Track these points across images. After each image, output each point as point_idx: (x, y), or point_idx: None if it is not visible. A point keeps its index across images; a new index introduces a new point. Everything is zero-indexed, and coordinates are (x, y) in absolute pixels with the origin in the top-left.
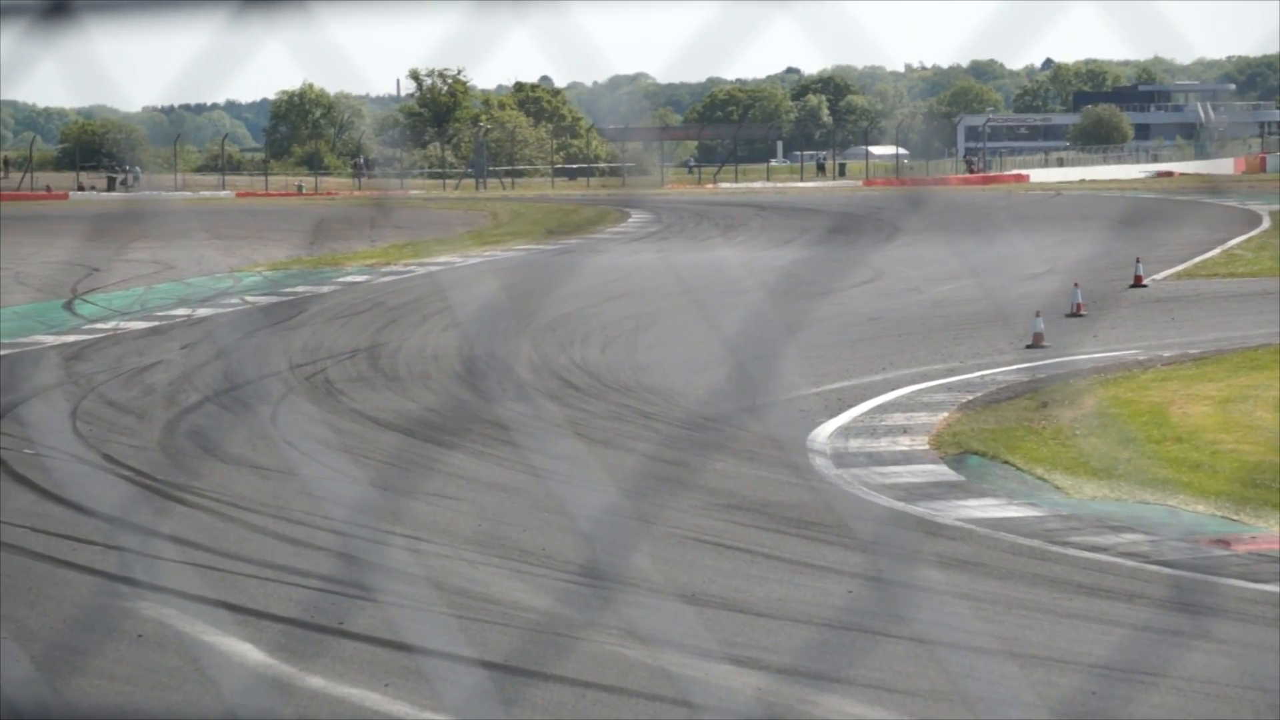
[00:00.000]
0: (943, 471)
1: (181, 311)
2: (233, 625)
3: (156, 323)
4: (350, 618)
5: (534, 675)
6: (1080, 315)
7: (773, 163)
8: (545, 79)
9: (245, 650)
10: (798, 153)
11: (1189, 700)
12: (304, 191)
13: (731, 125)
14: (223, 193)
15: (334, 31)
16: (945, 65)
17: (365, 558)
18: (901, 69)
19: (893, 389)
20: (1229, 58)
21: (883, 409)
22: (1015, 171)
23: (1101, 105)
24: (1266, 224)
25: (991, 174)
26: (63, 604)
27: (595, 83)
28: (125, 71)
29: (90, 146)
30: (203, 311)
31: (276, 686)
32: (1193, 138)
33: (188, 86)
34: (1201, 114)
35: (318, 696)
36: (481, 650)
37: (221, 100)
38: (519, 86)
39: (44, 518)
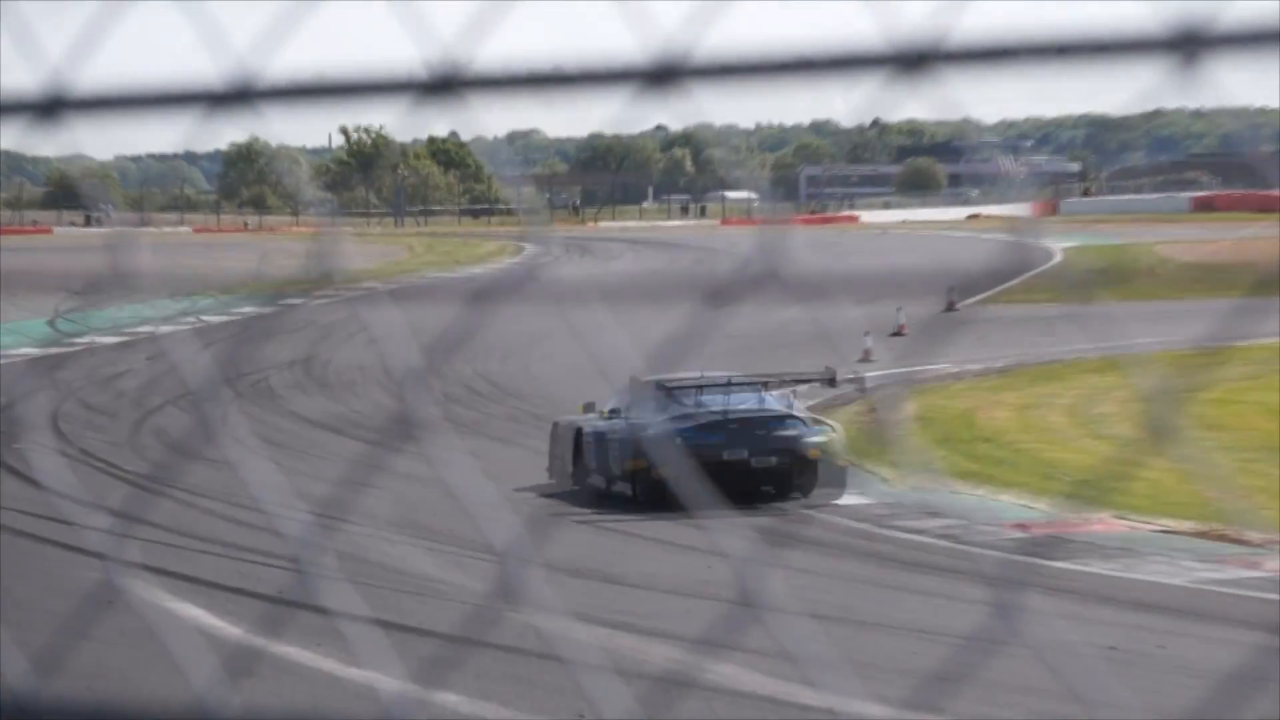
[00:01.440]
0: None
1: (145, 329)
2: (188, 592)
3: (126, 338)
4: (286, 588)
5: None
6: (902, 334)
7: (644, 205)
8: (453, 134)
9: (197, 614)
10: (666, 196)
11: (992, 658)
12: (249, 228)
13: (609, 173)
14: (181, 228)
15: (273, 123)
16: (789, 124)
17: (299, 536)
18: (753, 126)
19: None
20: (1026, 119)
21: None
22: (848, 213)
23: (920, 158)
24: (1058, 259)
25: (828, 215)
26: (46, 576)
27: (496, 137)
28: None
29: (70, 189)
30: (164, 329)
31: (222, 644)
32: (996, 186)
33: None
34: (1004, 165)
35: (259, 655)
36: (402, 616)
37: (181, 150)
38: (431, 140)
39: (29, 501)
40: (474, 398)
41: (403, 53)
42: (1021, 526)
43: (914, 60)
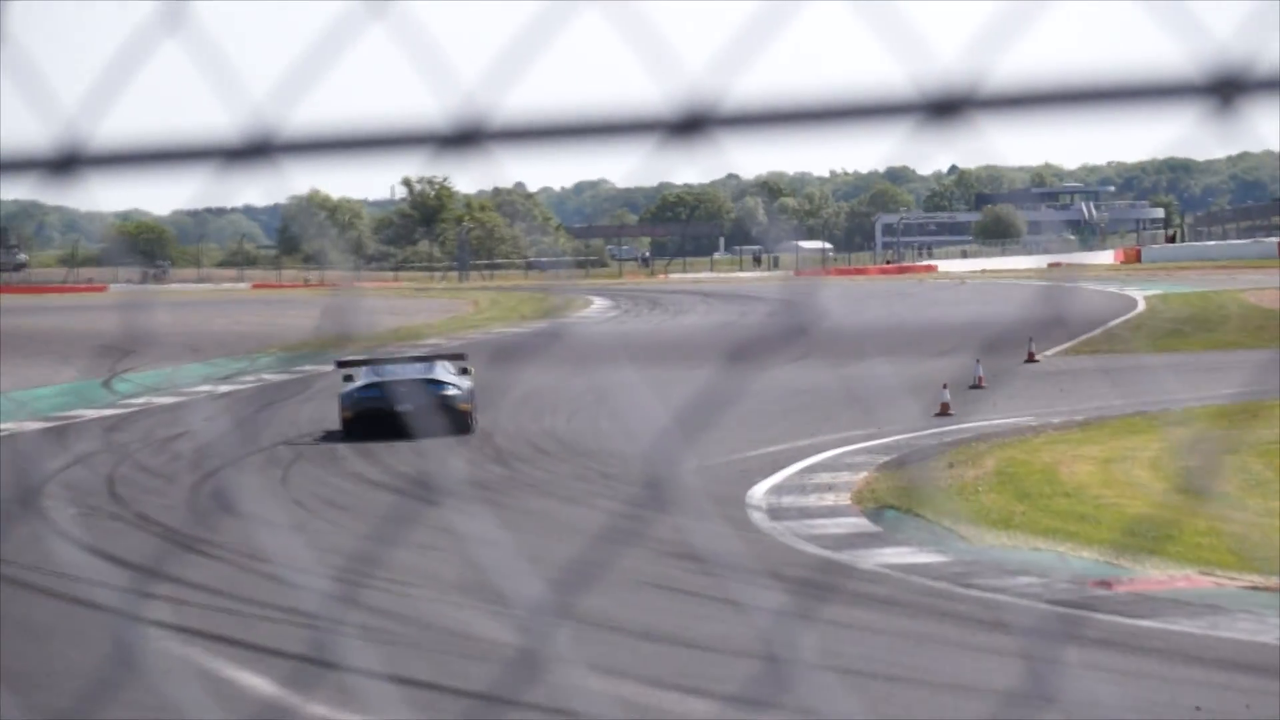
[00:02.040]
0: (863, 524)
1: (205, 388)
2: (247, 660)
3: (183, 398)
4: (349, 655)
5: (510, 703)
6: (981, 387)
7: (715, 256)
8: (519, 184)
9: (258, 683)
10: (737, 247)
11: None
12: (310, 283)
13: (680, 224)
14: (239, 285)
15: (300, 178)
16: (865, 170)
17: (363, 601)
18: (827, 174)
19: (820, 452)
20: (1109, 163)
21: (811, 469)
22: (925, 263)
23: (999, 205)
24: (1142, 307)
25: (905, 264)
26: (101, 643)
27: (563, 187)
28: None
29: (125, 245)
30: (223, 388)
31: (284, 715)
32: (1078, 233)
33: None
34: (1085, 212)
35: None
36: (464, 681)
37: (240, 204)
38: (497, 191)
39: (85, 567)
40: (541, 456)
41: (424, 103)
42: (1105, 584)
43: (947, 107)
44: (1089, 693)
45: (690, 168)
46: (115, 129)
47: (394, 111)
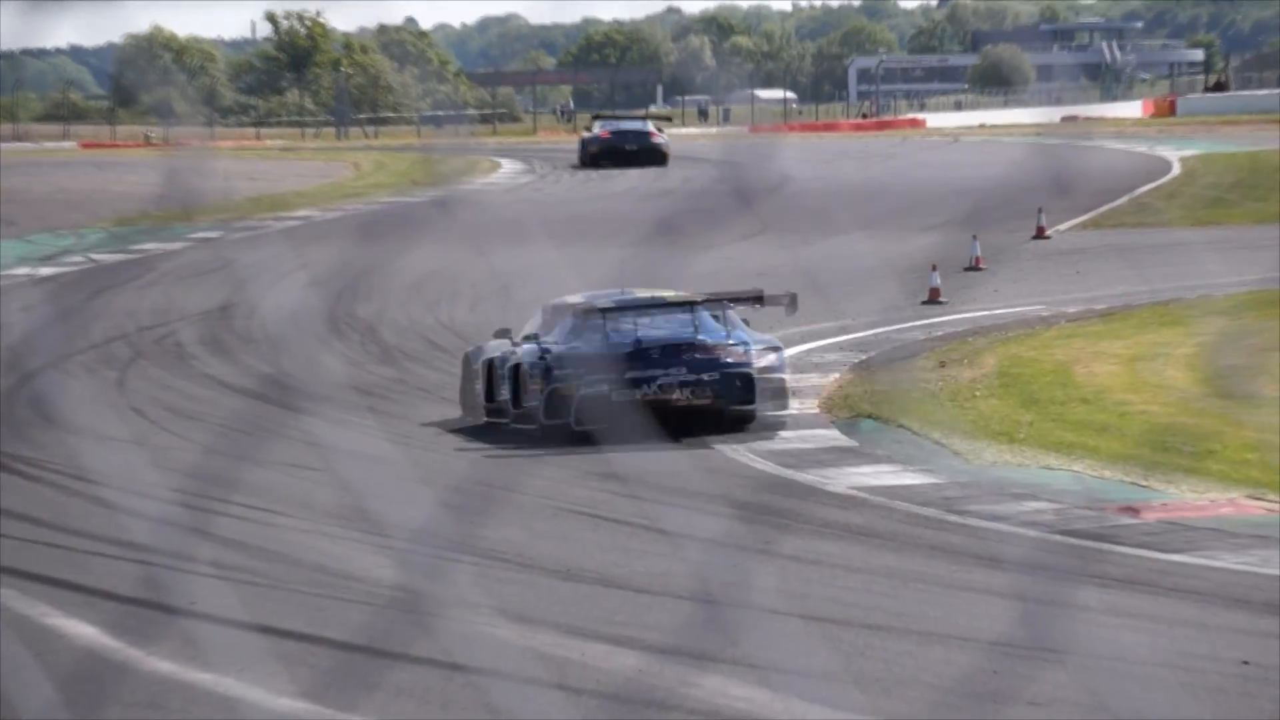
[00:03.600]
0: (834, 436)
1: (23, 271)
2: (74, 605)
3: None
4: (201, 598)
5: (398, 656)
6: (979, 269)
7: (652, 108)
8: (410, 20)
9: (87, 633)
10: (679, 97)
11: (1096, 678)
12: (153, 141)
13: (609, 68)
14: (65, 143)
15: (138, 12)
16: (835, 3)
17: (219, 533)
18: (789, 7)
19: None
20: None
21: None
22: (910, 116)
23: (1001, 45)
24: (1176, 171)
25: (885, 119)
26: None
27: (464, 24)
28: None
29: None
30: (45, 271)
31: (121, 671)
32: (1098, 79)
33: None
34: (1107, 54)
35: (167, 682)
36: (342, 631)
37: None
38: (382, 29)
39: None
40: (437, 354)
41: None
42: (1131, 510)
43: None
44: (1109, 643)
45: None
46: None
47: None
